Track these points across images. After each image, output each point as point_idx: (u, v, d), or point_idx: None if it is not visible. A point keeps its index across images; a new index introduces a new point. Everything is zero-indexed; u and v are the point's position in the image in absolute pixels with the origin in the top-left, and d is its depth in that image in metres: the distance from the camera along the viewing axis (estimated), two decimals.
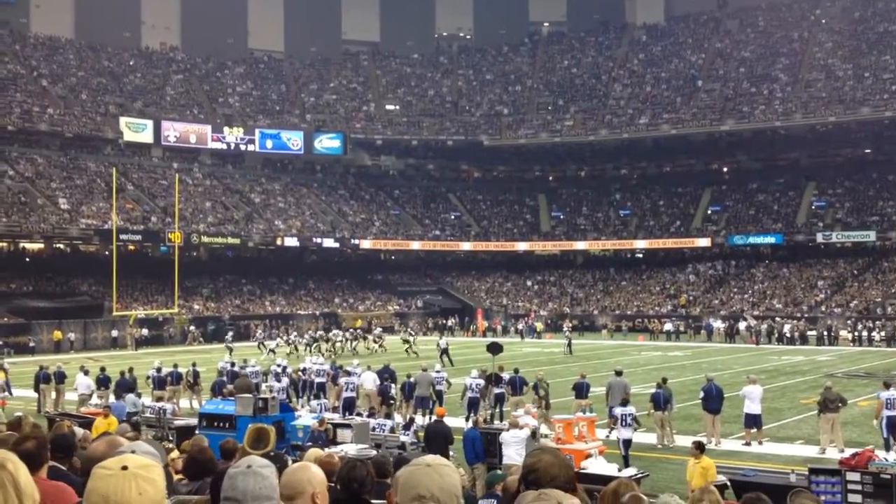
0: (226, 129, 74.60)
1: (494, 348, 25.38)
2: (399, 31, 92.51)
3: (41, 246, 60.33)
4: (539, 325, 60.91)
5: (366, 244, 72.56)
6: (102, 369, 25.70)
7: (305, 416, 18.12)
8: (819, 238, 66.48)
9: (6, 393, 24.62)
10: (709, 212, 74.68)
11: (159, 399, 21.81)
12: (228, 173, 74.88)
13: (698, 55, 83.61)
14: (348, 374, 23.29)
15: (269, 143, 76.29)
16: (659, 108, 77.93)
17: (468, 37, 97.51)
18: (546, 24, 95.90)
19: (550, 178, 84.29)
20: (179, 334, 55.16)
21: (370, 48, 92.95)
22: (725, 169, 78.11)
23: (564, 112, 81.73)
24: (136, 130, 69.86)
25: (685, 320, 60.38)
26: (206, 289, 64.17)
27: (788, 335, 51.78)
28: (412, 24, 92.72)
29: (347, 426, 16.20)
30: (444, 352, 38.81)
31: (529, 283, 75.16)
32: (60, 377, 25.93)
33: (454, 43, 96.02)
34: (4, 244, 59.18)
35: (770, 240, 68.64)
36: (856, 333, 51.17)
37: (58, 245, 61.22)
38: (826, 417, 17.99)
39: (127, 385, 21.92)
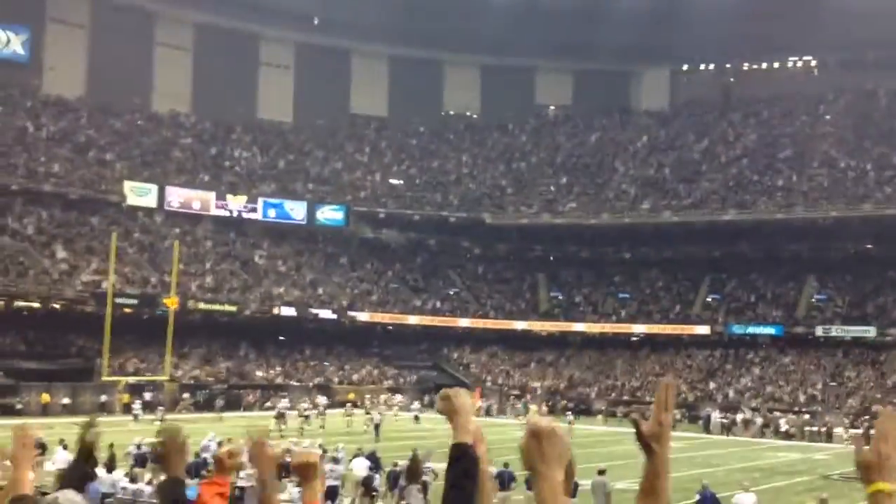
0: (229, 196, 74.85)
1: None
2: (406, 109, 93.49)
3: (37, 305, 59.85)
4: (533, 408, 59.73)
5: (363, 317, 72.16)
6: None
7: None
8: (819, 331, 66.02)
9: None
10: (708, 299, 74.37)
11: (133, 479, 21.18)
12: (230, 240, 74.85)
13: (701, 143, 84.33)
14: (335, 461, 22.62)
15: (271, 213, 76.50)
16: (660, 193, 78.25)
17: (474, 116, 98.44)
18: (552, 107, 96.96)
19: (551, 257, 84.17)
20: (169, 402, 54.41)
21: (377, 123, 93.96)
22: (726, 257, 77.80)
23: (567, 193, 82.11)
24: (139, 194, 70.11)
25: (681, 409, 59.46)
26: (199, 353, 63.62)
27: (783, 430, 51.10)
28: (420, 103, 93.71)
29: None
30: (377, 427, 38.64)
31: (526, 362, 74.50)
32: (40, 447, 25.38)
33: (461, 122, 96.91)
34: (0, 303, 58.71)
35: (770, 330, 68.19)
36: (853, 431, 50.42)
37: (53, 305, 60.77)
38: None
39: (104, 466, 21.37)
